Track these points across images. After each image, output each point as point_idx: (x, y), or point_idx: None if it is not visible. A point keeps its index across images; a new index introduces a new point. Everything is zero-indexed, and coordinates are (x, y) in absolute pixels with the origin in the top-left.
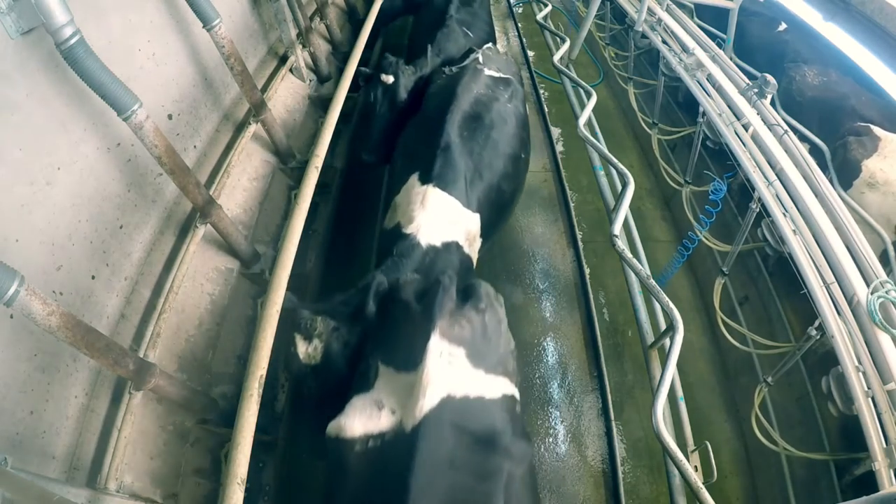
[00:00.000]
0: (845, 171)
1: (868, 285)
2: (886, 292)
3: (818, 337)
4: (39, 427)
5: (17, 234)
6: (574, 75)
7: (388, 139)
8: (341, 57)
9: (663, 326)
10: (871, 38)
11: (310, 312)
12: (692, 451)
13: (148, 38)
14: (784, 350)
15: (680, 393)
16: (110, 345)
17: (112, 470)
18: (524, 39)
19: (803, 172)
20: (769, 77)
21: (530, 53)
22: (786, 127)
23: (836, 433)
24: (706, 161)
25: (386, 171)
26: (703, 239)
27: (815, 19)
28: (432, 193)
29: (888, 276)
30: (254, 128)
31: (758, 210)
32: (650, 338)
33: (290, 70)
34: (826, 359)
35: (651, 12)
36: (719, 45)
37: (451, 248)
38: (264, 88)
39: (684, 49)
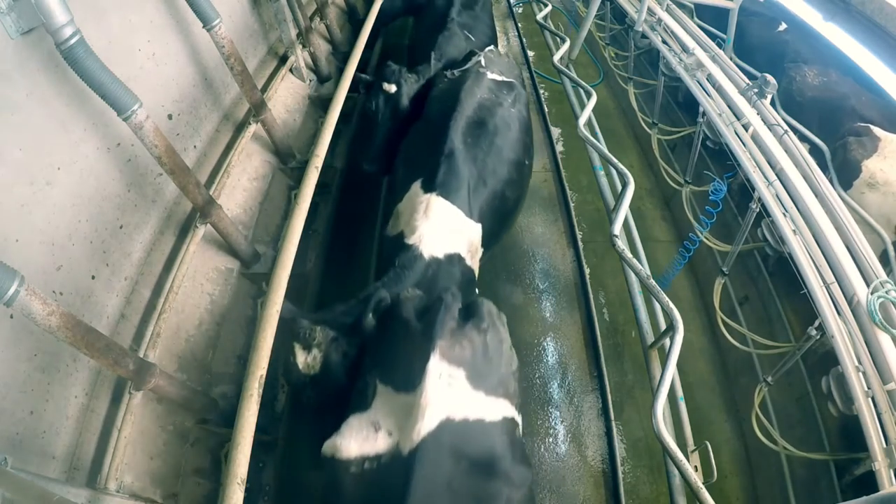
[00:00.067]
0: (845, 172)
1: (868, 285)
2: (886, 292)
3: (818, 337)
4: (39, 427)
5: (17, 234)
6: (574, 75)
7: (391, 149)
8: (341, 57)
9: (663, 326)
10: (871, 38)
11: (309, 322)
12: (692, 451)
13: (148, 38)
14: (784, 350)
15: (680, 393)
16: (110, 345)
17: (112, 470)
18: (524, 39)
19: (803, 172)
20: (769, 77)
21: (530, 53)
22: (786, 127)
23: (836, 433)
24: (706, 161)
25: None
26: (704, 239)
27: (815, 19)
28: (435, 202)
29: (888, 276)
30: (254, 128)
31: (758, 210)
32: (650, 338)
33: (290, 70)
34: (826, 359)
35: (651, 12)
36: (719, 45)
37: (454, 260)
38: (264, 88)
39: (684, 49)
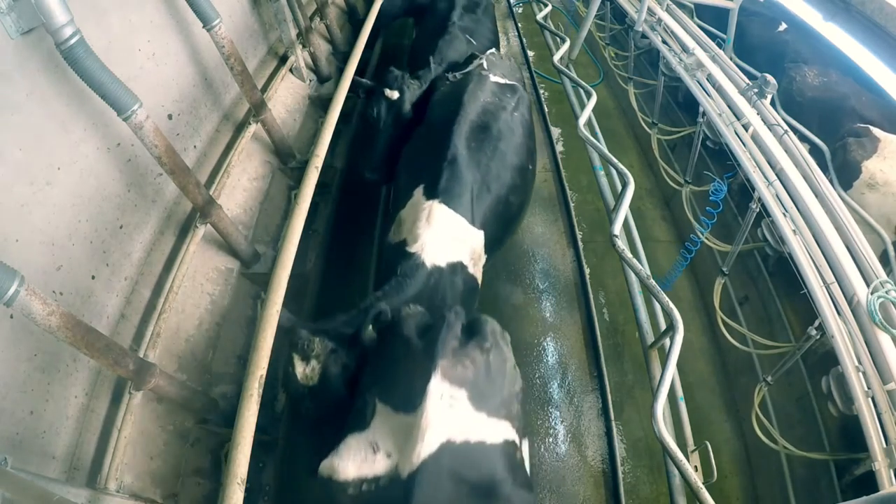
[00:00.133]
0: (845, 172)
1: (868, 285)
2: (886, 292)
3: (818, 337)
4: (39, 427)
5: (17, 234)
6: (574, 75)
7: (393, 157)
8: (341, 57)
9: (663, 326)
10: (871, 38)
11: (308, 332)
12: (692, 451)
13: (148, 38)
14: (784, 350)
15: (680, 393)
16: (110, 345)
17: (112, 470)
18: (524, 39)
19: (803, 172)
20: (769, 77)
21: (530, 53)
22: (786, 127)
23: (836, 433)
24: (706, 161)
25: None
26: (704, 240)
27: (815, 19)
28: (438, 210)
29: (888, 276)
30: (254, 128)
31: (758, 210)
32: (650, 338)
33: (290, 70)
34: (826, 359)
35: (651, 12)
36: (719, 45)
37: (456, 268)
38: (264, 88)
39: (684, 49)
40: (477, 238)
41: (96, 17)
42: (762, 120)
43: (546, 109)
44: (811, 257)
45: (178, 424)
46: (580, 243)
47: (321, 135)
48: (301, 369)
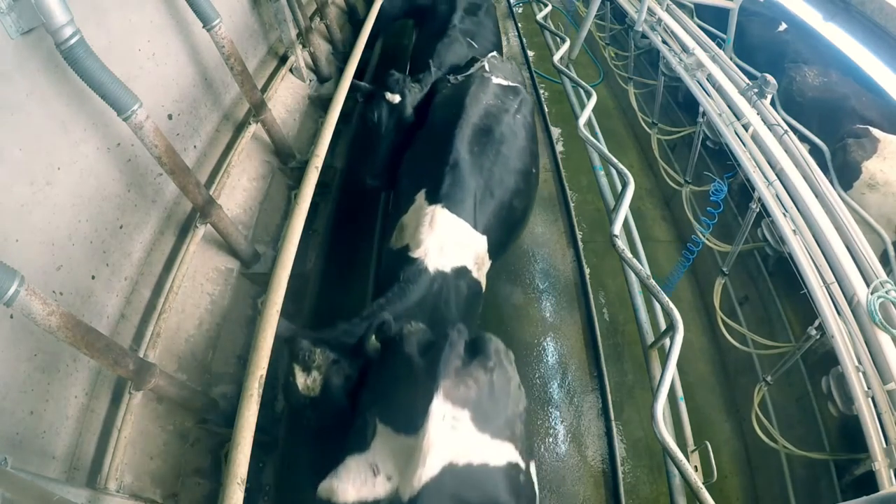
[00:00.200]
0: (846, 173)
1: (868, 285)
2: (886, 292)
3: (818, 337)
4: (39, 427)
5: (17, 234)
6: (574, 75)
7: (395, 162)
8: (341, 57)
9: (663, 326)
10: (871, 38)
11: (309, 343)
12: (692, 451)
13: (148, 38)
14: (784, 350)
15: (680, 393)
16: (110, 345)
17: (112, 470)
18: (524, 39)
19: (803, 172)
20: (769, 77)
21: (530, 53)
22: (786, 127)
23: (836, 433)
24: (706, 161)
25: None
26: (705, 240)
27: (815, 19)
28: (440, 215)
29: (888, 276)
30: (254, 128)
31: (758, 210)
32: (650, 338)
33: (290, 70)
34: (826, 359)
35: (651, 12)
36: (719, 45)
37: (460, 273)
38: (264, 88)
39: (684, 49)
40: (480, 243)
41: (96, 17)
42: (762, 120)
43: (546, 109)
44: (811, 257)
45: (178, 424)
46: (580, 243)
47: (321, 135)
48: (302, 380)
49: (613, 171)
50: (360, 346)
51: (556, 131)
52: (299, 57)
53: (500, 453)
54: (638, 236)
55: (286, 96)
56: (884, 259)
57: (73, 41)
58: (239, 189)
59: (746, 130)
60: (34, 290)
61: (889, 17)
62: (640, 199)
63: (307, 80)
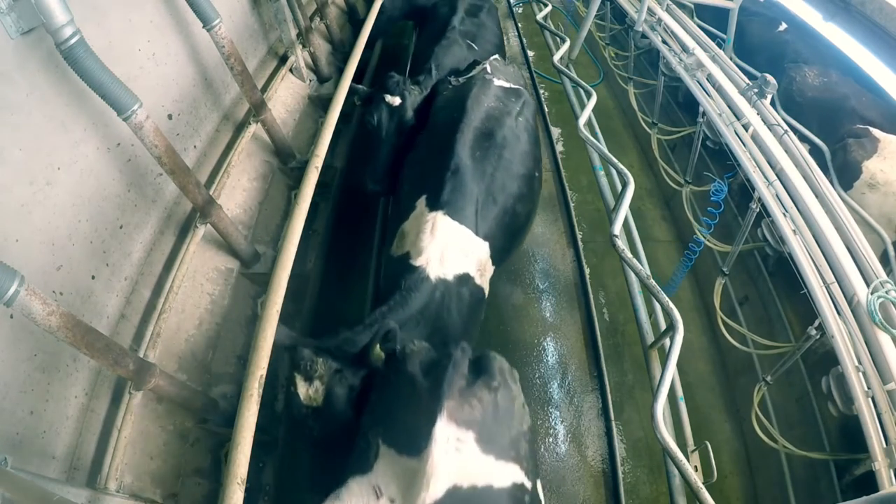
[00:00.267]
0: (846, 173)
1: (868, 285)
2: (886, 292)
3: (818, 337)
4: (39, 427)
5: (17, 234)
6: (574, 75)
7: (396, 166)
8: (341, 57)
9: (663, 326)
10: (871, 38)
11: (310, 352)
12: (692, 451)
13: (148, 38)
14: (784, 350)
15: (680, 393)
16: (110, 345)
17: (112, 470)
18: (524, 39)
19: (803, 172)
20: (769, 77)
21: (530, 53)
22: (786, 127)
23: (836, 433)
24: (706, 161)
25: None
26: (706, 241)
27: (815, 19)
28: (441, 222)
29: (888, 276)
30: (254, 128)
31: (758, 210)
32: (650, 338)
33: (290, 70)
34: (826, 359)
35: (651, 12)
36: (719, 45)
37: (462, 280)
38: (264, 88)
39: (684, 49)
40: (482, 249)
41: (96, 17)
42: (762, 120)
43: (546, 109)
44: (811, 257)
45: (178, 424)
46: (580, 243)
47: (321, 135)
48: (304, 390)
49: (613, 171)
50: (364, 355)
51: (556, 131)
52: (299, 57)
53: (506, 474)
54: (638, 236)
55: (286, 96)
56: (884, 259)
57: (73, 41)
58: (239, 189)
59: (746, 130)
60: (34, 290)
61: (889, 17)
62: (640, 199)
63: (307, 80)
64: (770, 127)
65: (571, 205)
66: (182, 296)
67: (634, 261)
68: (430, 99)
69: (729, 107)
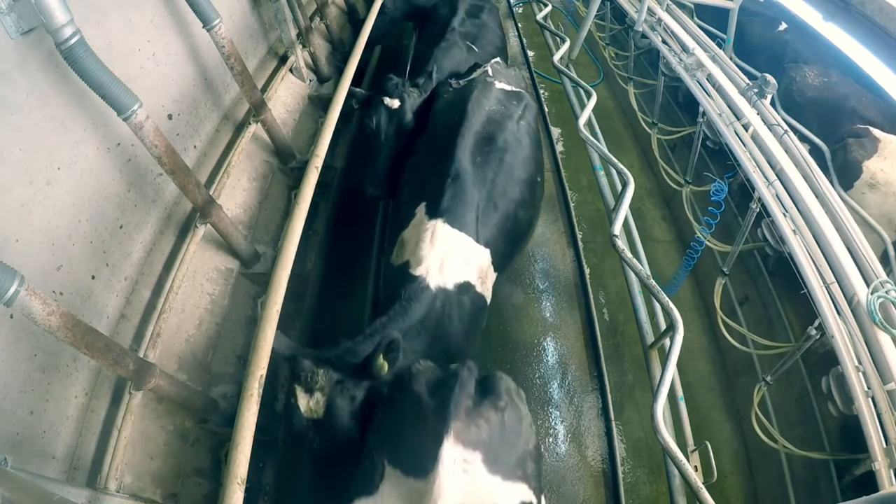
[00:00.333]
0: (846, 173)
1: (868, 285)
2: (886, 292)
3: (818, 337)
4: (39, 427)
5: (17, 234)
6: (574, 75)
7: (396, 170)
8: (341, 57)
9: (663, 326)
10: (871, 38)
11: (311, 363)
12: (692, 451)
13: (148, 38)
14: (784, 350)
15: (680, 393)
16: (110, 345)
17: (112, 470)
18: (524, 39)
19: (803, 172)
20: (769, 77)
21: (530, 53)
22: (786, 127)
23: (836, 433)
24: (706, 161)
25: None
26: (707, 241)
27: (815, 19)
28: (441, 230)
29: (888, 276)
30: (254, 128)
31: (758, 210)
32: (650, 338)
33: (290, 70)
34: (826, 359)
35: (651, 12)
36: (719, 45)
37: (463, 289)
38: (264, 88)
39: (684, 49)
40: (484, 256)
41: (96, 17)
42: (762, 120)
43: (546, 109)
44: (811, 257)
45: (178, 424)
46: (580, 243)
47: (321, 135)
48: (305, 402)
49: (613, 171)
50: (367, 365)
51: (556, 131)
52: (299, 57)
53: (513, 494)
54: (638, 236)
55: (286, 96)
56: (884, 259)
57: (73, 41)
58: (239, 189)
59: (746, 130)
60: (34, 290)
61: (889, 17)
62: (640, 199)
63: (307, 80)
64: (770, 127)
65: (571, 205)
66: (182, 296)
67: (634, 261)
68: (429, 102)
69: (729, 107)
